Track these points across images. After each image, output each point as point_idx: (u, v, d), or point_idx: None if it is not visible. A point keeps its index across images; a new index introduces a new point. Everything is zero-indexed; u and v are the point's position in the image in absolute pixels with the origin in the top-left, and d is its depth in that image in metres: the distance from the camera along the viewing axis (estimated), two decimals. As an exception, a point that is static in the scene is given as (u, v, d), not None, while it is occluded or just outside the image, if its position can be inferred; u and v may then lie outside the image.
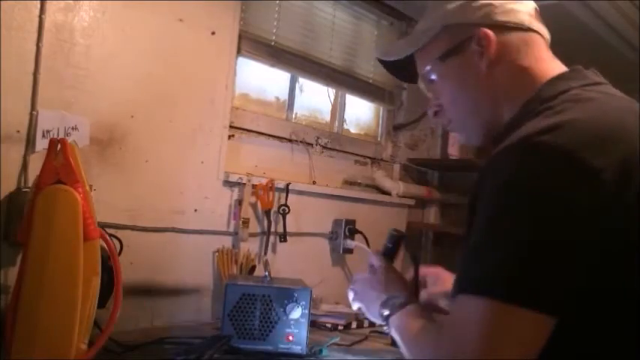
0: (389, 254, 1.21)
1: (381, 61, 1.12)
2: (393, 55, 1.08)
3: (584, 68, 0.93)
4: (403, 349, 0.95)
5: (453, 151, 2.63)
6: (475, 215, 0.80)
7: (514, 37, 0.95)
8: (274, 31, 2.08)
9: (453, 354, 0.76)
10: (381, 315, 1.04)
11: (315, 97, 2.35)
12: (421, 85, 1.07)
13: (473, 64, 0.95)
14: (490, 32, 0.93)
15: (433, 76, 1.02)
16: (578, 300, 0.73)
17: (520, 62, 0.94)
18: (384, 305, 1.04)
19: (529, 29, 0.95)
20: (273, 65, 2.09)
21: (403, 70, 1.09)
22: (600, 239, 0.72)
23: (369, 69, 2.48)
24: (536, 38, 0.96)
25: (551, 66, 0.95)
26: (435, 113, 1.05)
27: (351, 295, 1.19)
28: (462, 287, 0.78)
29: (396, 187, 2.46)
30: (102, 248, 1.24)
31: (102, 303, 1.26)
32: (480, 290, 0.74)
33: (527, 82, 0.92)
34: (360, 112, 2.58)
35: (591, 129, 0.76)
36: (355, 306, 1.18)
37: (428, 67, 1.02)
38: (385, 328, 1.06)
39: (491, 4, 0.95)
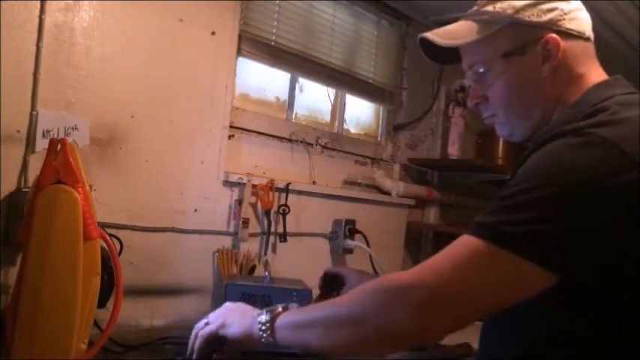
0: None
1: (421, 38, 1.05)
2: (451, 39, 1.01)
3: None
4: (326, 327, 0.87)
5: (453, 151, 2.63)
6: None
7: (576, 45, 0.97)
8: (274, 31, 2.08)
9: (429, 281, 0.79)
10: (261, 322, 0.95)
11: (315, 97, 2.35)
12: (467, 72, 1.04)
13: (534, 67, 0.96)
14: (559, 39, 0.95)
15: (485, 69, 1.00)
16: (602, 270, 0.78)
17: (577, 69, 0.97)
18: (261, 313, 0.97)
19: (587, 39, 0.99)
20: (273, 65, 2.09)
21: (438, 50, 1.04)
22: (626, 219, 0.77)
23: (369, 69, 2.48)
24: (590, 47, 1.00)
25: (598, 72, 0.98)
26: (476, 104, 1.05)
27: (201, 325, 1.09)
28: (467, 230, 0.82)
29: (396, 187, 2.46)
30: (102, 248, 1.24)
31: (102, 303, 1.26)
32: (481, 234, 0.79)
33: (580, 87, 0.95)
34: (360, 112, 2.58)
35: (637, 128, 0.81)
36: (209, 327, 1.07)
37: (484, 60, 1.00)
38: (263, 335, 0.95)
39: (560, 9, 0.97)
